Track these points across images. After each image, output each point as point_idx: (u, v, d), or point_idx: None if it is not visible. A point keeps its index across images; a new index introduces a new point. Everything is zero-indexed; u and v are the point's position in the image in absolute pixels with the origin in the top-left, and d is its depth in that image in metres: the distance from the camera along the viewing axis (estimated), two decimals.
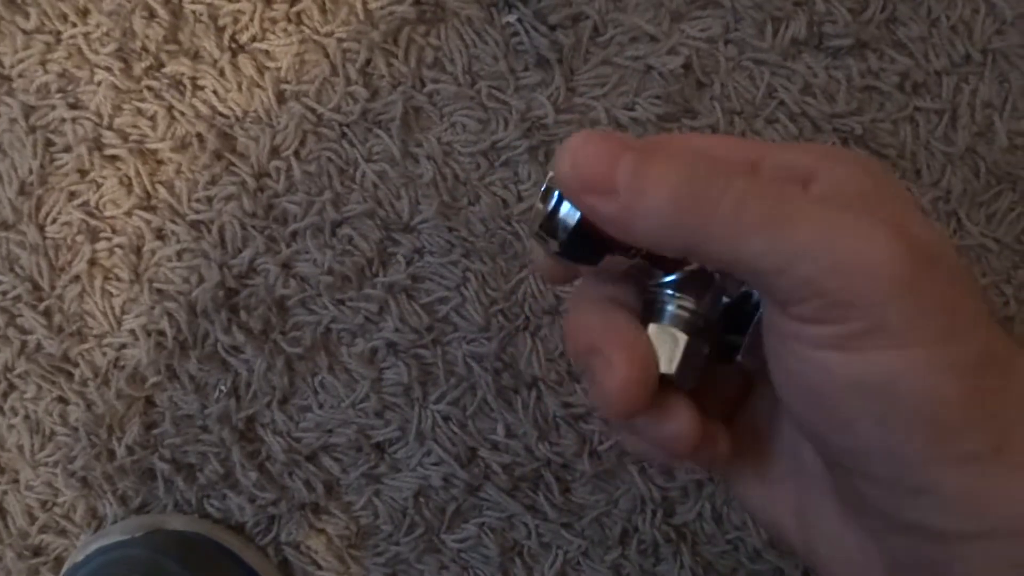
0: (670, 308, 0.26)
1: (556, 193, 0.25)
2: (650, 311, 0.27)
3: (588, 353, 0.26)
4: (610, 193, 0.23)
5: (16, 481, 0.51)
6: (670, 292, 0.27)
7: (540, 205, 0.26)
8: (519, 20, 0.48)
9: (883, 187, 0.24)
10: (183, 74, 0.48)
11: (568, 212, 0.25)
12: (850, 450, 0.23)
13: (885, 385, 0.22)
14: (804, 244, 0.22)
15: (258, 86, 0.48)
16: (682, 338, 0.26)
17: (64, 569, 0.49)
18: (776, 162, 0.25)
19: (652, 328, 0.26)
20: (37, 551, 0.52)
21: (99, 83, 0.49)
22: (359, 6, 0.48)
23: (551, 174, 0.25)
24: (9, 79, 0.50)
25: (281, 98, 0.48)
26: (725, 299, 0.27)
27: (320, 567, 0.50)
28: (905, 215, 0.24)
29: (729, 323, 0.27)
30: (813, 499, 0.27)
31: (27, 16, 0.49)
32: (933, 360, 0.22)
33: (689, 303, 0.26)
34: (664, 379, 0.26)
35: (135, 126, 0.49)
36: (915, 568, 0.24)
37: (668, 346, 0.26)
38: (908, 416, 0.22)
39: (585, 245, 0.25)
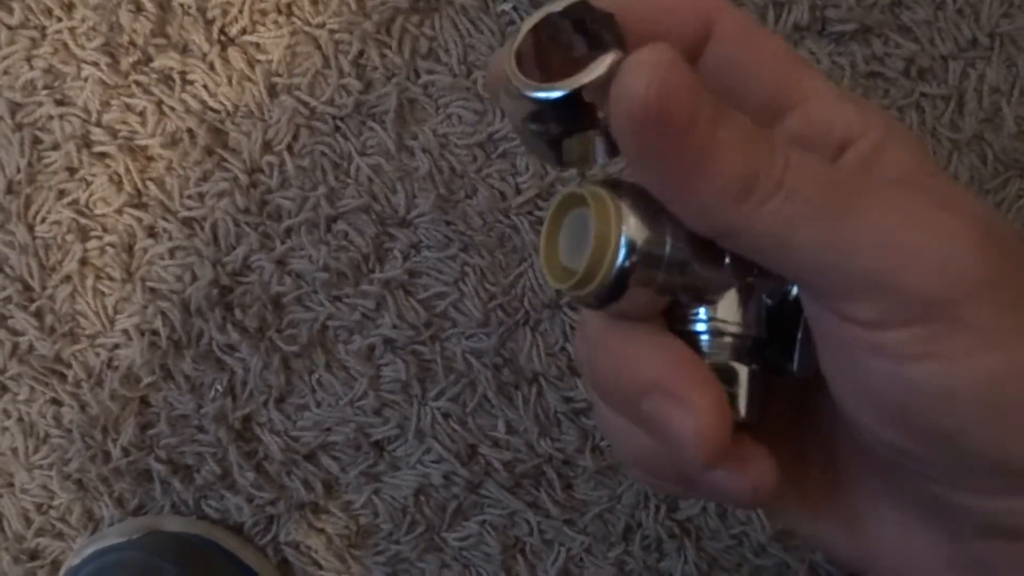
0: (718, 338, 0.22)
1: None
2: (691, 346, 0.22)
3: (646, 391, 0.21)
4: (685, 139, 0.19)
5: (11, 484, 0.51)
6: (714, 319, 0.22)
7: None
8: (514, 8, 0.47)
9: (934, 163, 0.22)
10: (172, 68, 0.47)
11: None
12: (948, 464, 0.21)
13: (986, 390, 0.19)
14: (868, 232, 0.19)
15: (249, 80, 0.47)
16: (743, 371, 0.22)
17: (61, 573, 0.49)
18: (812, 116, 0.22)
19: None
20: (33, 555, 0.51)
21: (86, 79, 0.48)
22: None
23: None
24: None
25: (273, 92, 0.47)
26: (767, 300, 0.23)
27: (320, 567, 0.50)
28: (962, 193, 0.22)
29: (771, 330, 0.23)
30: (867, 510, 0.25)
31: (11, 11, 0.48)
32: None
33: (737, 328, 0.22)
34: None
35: (124, 122, 0.48)
36: (987, 564, 0.23)
37: (733, 383, 0.22)
38: (1015, 417, 0.19)
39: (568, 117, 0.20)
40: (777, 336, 0.23)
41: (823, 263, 0.19)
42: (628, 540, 0.48)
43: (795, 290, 0.22)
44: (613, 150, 0.20)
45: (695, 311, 0.22)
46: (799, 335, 0.22)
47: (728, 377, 0.22)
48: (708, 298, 0.22)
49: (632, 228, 0.20)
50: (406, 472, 0.49)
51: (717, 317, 0.22)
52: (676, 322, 0.22)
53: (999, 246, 0.19)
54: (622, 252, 0.20)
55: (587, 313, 0.22)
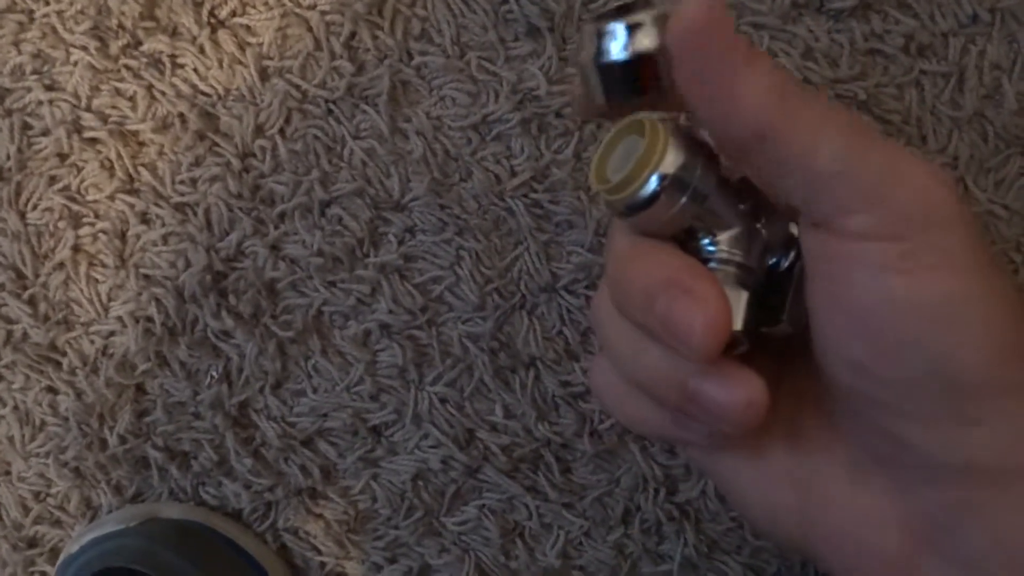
0: (724, 265, 0.25)
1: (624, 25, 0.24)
2: None
3: (667, 287, 0.24)
4: (734, 48, 0.23)
5: (8, 473, 0.51)
6: (723, 248, 0.25)
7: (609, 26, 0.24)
8: None
9: None
10: (162, 52, 0.47)
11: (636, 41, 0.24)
12: (903, 382, 0.23)
13: (950, 307, 0.22)
14: (877, 157, 0.23)
15: (240, 63, 0.47)
16: (743, 294, 0.25)
17: (59, 560, 0.49)
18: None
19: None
20: (32, 542, 0.51)
21: (75, 63, 0.47)
22: None
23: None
24: None
25: (264, 75, 0.47)
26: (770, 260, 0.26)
27: (320, 552, 0.50)
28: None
29: (766, 292, 0.26)
30: (818, 467, 0.27)
31: None
32: (995, 286, 0.23)
33: (740, 258, 0.25)
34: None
35: (114, 107, 0.47)
36: (936, 521, 0.24)
37: (734, 300, 0.25)
38: (971, 339, 0.22)
39: (630, 80, 0.24)
40: (770, 297, 0.26)
41: (836, 174, 0.23)
42: (627, 523, 0.48)
43: (787, 261, 0.26)
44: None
45: (705, 240, 0.25)
46: (790, 294, 0.26)
47: (732, 297, 0.25)
48: (718, 234, 0.25)
49: (671, 155, 0.24)
50: (404, 457, 0.48)
51: (724, 247, 0.25)
52: (687, 251, 0.26)
53: (971, 214, 0.24)
54: (657, 172, 0.24)
55: (616, 235, 0.26)
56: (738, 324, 0.25)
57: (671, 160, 0.24)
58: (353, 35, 0.46)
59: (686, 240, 0.26)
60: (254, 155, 0.47)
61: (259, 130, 0.47)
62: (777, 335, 0.26)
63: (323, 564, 0.50)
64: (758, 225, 0.26)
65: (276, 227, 0.47)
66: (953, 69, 0.44)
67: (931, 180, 0.23)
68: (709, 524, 0.48)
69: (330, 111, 0.47)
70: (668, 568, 0.48)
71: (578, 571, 0.49)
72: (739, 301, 0.25)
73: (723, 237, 0.25)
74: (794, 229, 0.26)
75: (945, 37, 0.44)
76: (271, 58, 0.47)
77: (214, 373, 0.48)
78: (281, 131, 0.47)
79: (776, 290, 0.26)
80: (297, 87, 0.46)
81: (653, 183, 0.24)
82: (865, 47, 0.44)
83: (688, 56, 0.23)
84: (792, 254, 0.26)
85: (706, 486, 0.48)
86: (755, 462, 0.28)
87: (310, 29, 0.46)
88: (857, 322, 0.23)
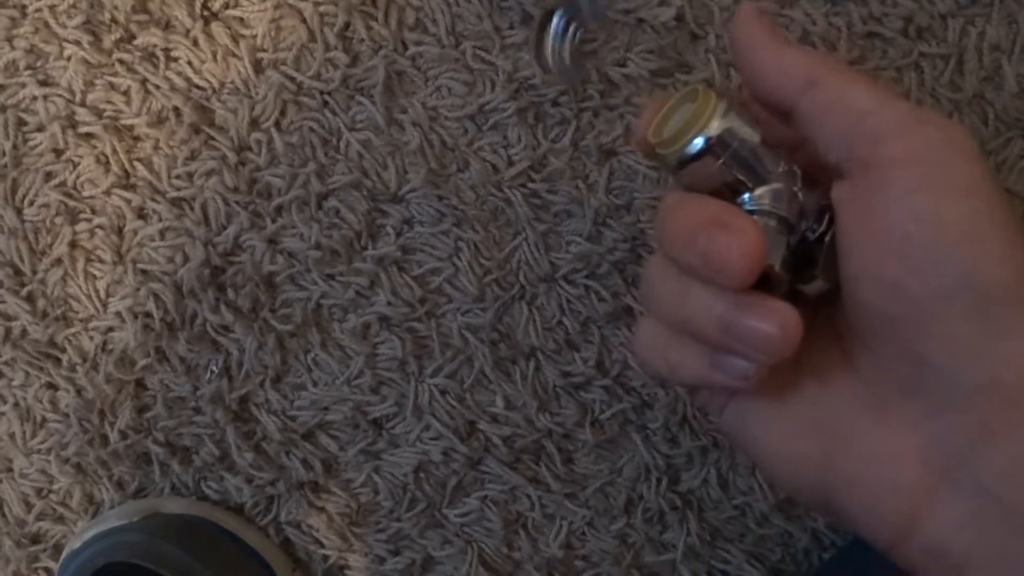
0: (764, 217, 0.27)
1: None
2: None
3: (708, 225, 0.26)
4: (776, 36, 0.28)
5: (10, 469, 0.51)
6: (763, 202, 0.27)
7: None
8: None
9: None
10: (155, 45, 0.46)
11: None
12: (934, 297, 0.25)
13: (976, 224, 0.25)
14: (905, 103, 0.26)
15: (234, 55, 0.46)
16: (782, 238, 0.27)
17: (63, 556, 0.49)
18: (819, 99, 0.27)
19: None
20: (35, 538, 0.51)
21: (69, 58, 0.47)
22: None
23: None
24: None
25: (258, 67, 0.46)
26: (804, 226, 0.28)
27: (322, 545, 0.50)
28: None
29: (802, 251, 0.28)
30: (840, 410, 0.28)
31: None
32: (1015, 214, 0.25)
33: (781, 211, 0.27)
34: (763, 278, 0.26)
35: (109, 102, 0.47)
36: (954, 450, 0.25)
37: (771, 242, 0.27)
38: (997, 254, 0.24)
39: None
40: (804, 261, 0.28)
41: (872, 111, 0.26)
42: (630, 513, 0.48)
43: (820, 229, 0.28)
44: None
45: (747, 196, 0.28)
46: (822, 255, 0.28)
47: (772, 239, 0.27)
48: (758, 190, 0.28)
49: (717, 118, 0.27)
50: (405, 449, 0.48)
51: (765, 201, 0.28)
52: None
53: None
54: (704, 132, 0.27)
55: (669, 193, 0.29)
56: (776, 262, 0.27)
57: (716, 124, 0.27)
58: (347, 26, 0.46)
59: (730, 197, 0.28)
60: (250, 148, 0.47)
61: (254, 123, 0.47)
62: (811, 293, 0.28)
63: (326, 557, 0.50)
64: (795, 188, 0.28)
65: (273, 221, 0.47)
66: (952, 51, 0.44)
67: (953, 124, 0.26)
68: (711, 513, 0.48)
69: (325, 103, 0.46)
70: (671, 557, 0.48)
71: (581, 561, 0.49)
72: (777, 244, 0.27)
73: (763, 191, 0.28)
74: (827, 199, 0.28)
75: (944, 19, 0.44)
76: (265, 50, 0.46)
77: (214, 368, 0.48)
78: (277, 124, 0.47)
79: (809, 256, 0.28)
80: (292, 79, 0.46)
81: (699, 142, 0.27)
82: (863, 30, 0.44)
83: (747, 33, 0.28)
84: (824, 224, 0.28)
85: (708, 475, 0.47)
86: (781, 412, 0.29)
87: (304, 20, 0.46)
88: (890, 242, 0.25)
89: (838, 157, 0.27)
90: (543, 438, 0.47)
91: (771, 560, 0.48)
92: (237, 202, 0.47)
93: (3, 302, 0.49)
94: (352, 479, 0.49)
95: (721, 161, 0.27)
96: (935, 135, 0.26)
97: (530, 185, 0.46)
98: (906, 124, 0.26)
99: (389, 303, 0.47)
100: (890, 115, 0.26)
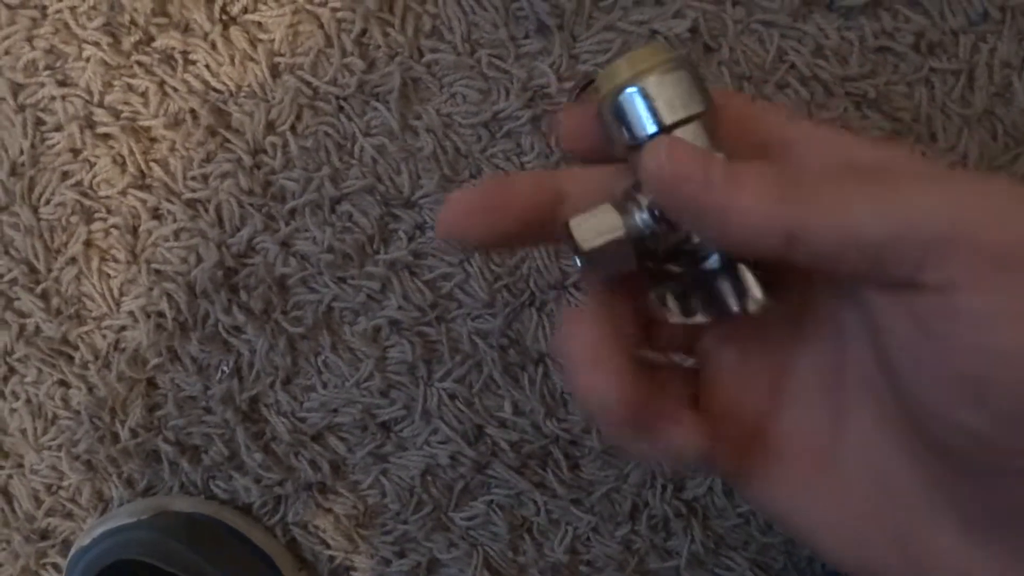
0: (634, 218, 0.25)
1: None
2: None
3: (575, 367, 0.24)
4: (709, 184, 0.22)
5: (21, 465, 0.51)
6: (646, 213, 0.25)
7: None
8: None
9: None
10: (174, 48, 0.47)
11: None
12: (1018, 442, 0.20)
13: None
14: (934, 195, 0.20)
15: (251, 59, 0.47)
16: (620, 229, 0.25)
17: (71, 552, 0.49)
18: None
19: (604, 206, 0.25)
20: (44, 534, 0.51)
21: (88, 59, 0.47)
22: None
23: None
24: None
25: (275, 71, 0.47)
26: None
27: (328, 546, 0.50)
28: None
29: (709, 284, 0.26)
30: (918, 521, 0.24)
31: None
32: None
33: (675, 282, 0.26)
34: (581, 258, 0.25)
35: (127, 103, 0.48)
36: (1003, 518, 0.22)
37: (603, 224, 0.25)
38: None
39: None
40: (720, 288, 0.25)
41: (892, 237, 0.20)
42: (635, 519, 0.48)
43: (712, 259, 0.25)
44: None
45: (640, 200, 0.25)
46: (743, 275, 0.25)
47: (608, 223, 0.25)
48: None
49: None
50: (413, 453, 0.49)
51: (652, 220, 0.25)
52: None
53: None
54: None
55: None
56: (674, 318, 0.26)
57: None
58: (364, 32, 0.46)
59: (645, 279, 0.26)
60: (265, 151, 0.47)
61: (270, 127, 0.47)
62: (759, 315, 0.25)
63: (332, 558, 0.50)
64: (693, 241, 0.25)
65: (287, 223, 0.47)
66: (963, 67, 0.44)
67: (1012, 203, 0.20)
68: (716, 520, 0.48)
69: (341, 108, 0.47)
70: (675, 564, 0.48)
71: (586, 566, 0.49)
72: (611, 231, 0.25)
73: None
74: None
75: (955, 35, 0.44)
76: (282, 55, 0.47)
77: (225, 368, 0.49)
78: (292, 128, 0.47)
79: (717, 283, 0.25)
80: (308, 84, 0.47)
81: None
82: (875, 45, 0.44)
83: (673, 192, 0.23)
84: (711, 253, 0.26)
85: (713, 483, 0.48)
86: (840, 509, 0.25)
87: (321, 26, 0.46)
88: (969, 387, 0.20)
89: (871, 280, 0.22)
90: (550, 444, 0.48)
91: (774, 568, 0.48)
92: (251, 204, 0.47)
93: (18, 299, 0.49)
94: (360, 481, 0.49)
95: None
96: (999, 229, 0.19)
97: None
98: (943, 238, 0.19)
99: (400, 307, 0.47)
100: (916, 233, 0.20)
